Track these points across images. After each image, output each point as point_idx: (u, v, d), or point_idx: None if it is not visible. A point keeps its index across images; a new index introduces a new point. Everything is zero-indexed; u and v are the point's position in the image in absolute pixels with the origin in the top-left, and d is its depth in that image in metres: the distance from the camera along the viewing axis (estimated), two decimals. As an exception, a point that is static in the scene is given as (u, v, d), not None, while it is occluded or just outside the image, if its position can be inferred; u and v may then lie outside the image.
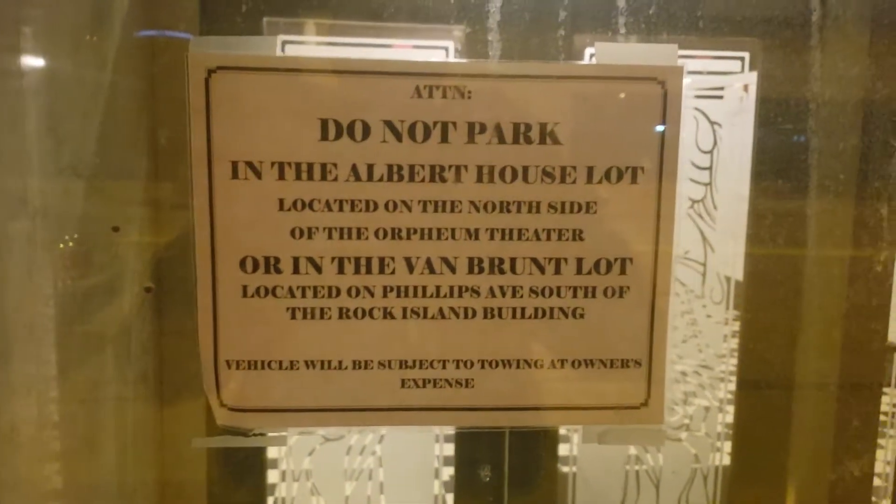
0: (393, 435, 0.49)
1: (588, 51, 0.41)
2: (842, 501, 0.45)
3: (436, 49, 0.47)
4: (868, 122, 0.44)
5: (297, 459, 0.53)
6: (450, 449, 0.51)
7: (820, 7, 0.43)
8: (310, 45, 0.43)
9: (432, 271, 0.34)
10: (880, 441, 0.52)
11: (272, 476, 0.57)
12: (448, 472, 0.53)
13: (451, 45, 0.46)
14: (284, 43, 0.41)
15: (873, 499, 0.48)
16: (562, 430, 0.46)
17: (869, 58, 0.43)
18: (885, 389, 0.49)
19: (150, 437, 0.42)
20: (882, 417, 0.51)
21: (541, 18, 0.40)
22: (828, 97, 0.43)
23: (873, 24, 0.43)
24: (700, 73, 0.46)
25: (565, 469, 0.50)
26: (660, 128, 0.34)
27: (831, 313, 0.44)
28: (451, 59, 0.42)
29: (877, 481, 0.52)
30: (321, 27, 0.43)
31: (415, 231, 0.33)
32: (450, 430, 0.48)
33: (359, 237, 0.33)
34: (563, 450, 0.50)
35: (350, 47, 0.43)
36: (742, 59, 0.50)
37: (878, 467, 0.53)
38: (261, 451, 0.47)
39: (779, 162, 0.44)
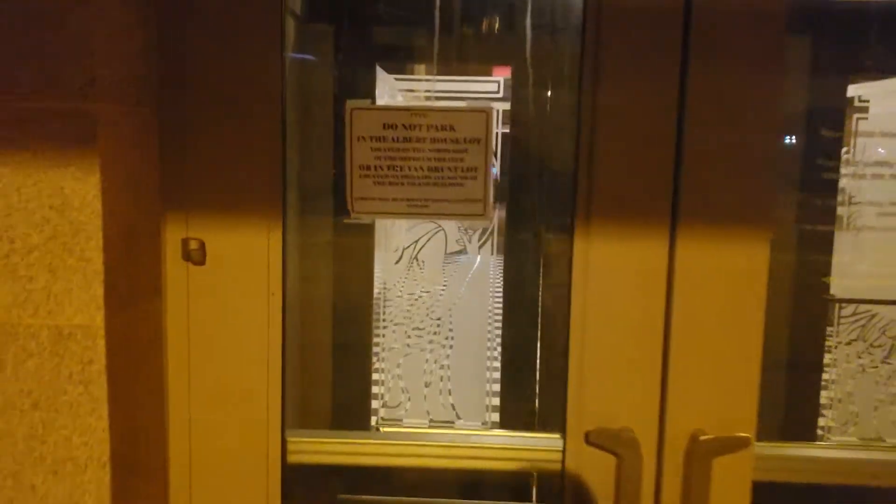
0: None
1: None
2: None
3: (492, 82, 1.24)
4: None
5: (392, 364, 1.32)
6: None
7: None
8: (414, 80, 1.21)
9: (413, 171, 1.09)
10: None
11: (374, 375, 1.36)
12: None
13: (501, 79, 1.22)
14: (396, 79, 1.18)
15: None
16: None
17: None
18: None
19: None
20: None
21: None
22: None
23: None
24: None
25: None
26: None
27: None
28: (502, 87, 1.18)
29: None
30: (408, 69, 1.20)
31: (419, 151, 1.08)
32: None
33: (388, 158, 1.09)
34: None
35: (441, 82, 1.20)
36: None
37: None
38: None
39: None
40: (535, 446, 1.13)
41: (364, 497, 1.66)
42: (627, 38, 1.01)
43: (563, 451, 1.09)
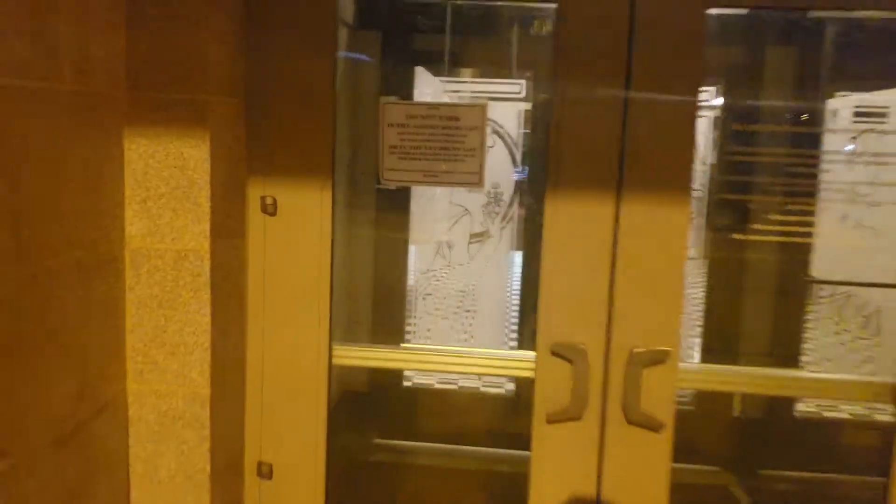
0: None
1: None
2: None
3: (516, 84, 1.65)
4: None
5: (423, 325, 1.72)
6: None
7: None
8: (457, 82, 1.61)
9: (427, 150, 1.47)
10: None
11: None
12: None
13: (524, 81, 1.62)
14: (441, 81, 1.59)
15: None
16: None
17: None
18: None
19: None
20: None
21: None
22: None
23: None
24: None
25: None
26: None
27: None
28: (524, 89, 1.58)
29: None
30: (444, 72, 1.60)
31: (432, 135, 1.47)
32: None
33: (410, 140, 1.47)
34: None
35: (474, 83, 1.61)
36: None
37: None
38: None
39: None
40: (517, 357, 1.50)
41: (397, 441, 2.07)
42: (584, 44, 1.37)
43: (536, 361, 1.45)
